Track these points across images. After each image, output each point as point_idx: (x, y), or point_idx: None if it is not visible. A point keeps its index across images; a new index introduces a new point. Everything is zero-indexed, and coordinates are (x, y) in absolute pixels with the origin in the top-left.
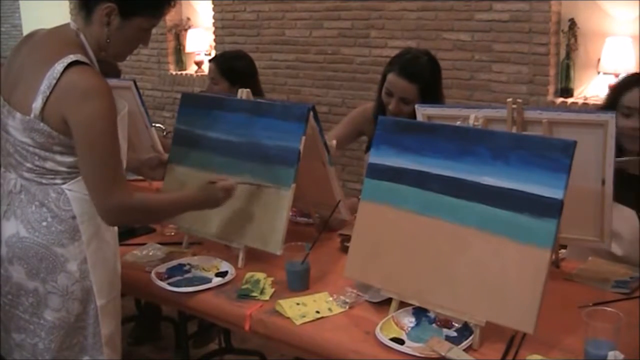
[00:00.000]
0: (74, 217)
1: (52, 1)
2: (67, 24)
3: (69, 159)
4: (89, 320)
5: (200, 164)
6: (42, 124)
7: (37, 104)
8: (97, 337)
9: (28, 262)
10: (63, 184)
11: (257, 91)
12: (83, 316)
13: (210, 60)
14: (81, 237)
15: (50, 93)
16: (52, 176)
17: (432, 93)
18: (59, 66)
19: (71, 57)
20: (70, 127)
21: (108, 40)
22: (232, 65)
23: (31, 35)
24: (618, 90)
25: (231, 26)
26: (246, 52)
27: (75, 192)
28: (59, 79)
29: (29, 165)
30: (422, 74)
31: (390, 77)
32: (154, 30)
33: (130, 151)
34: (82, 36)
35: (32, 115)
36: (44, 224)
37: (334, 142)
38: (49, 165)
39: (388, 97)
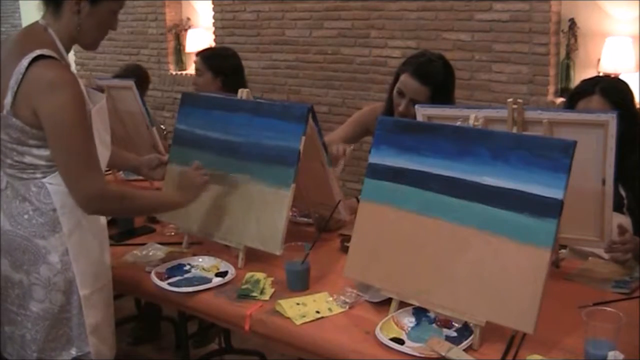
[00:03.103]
0: (54, 210)
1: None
2: (37, 22)
3: (45, 153)
4: (73, 311)
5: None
6: (14, 119)
7: (8, 100)
8: (82, 328)
9: (12, 254)
10: (43, 177)
11: (242, 86)
12: (67, 307)
13: (196, 55)
14: (62, 229)
15: (18, 88)
16: (32, 171)
17: (443, 97)
18: (25, 61)
19: (36, 52)
20: (40, 119)
21: (79, 29)
22: (215, 58)
23: (10, 37)
24: (575, 97)
25: (231, 26)
26: (232, 49)
27: (55, 185)
28: (24, 73)
29: (9, 161)
30: (436, 77)
31: (404, 77)
32: (154, 31)
33: (132, 151)
34: (50, 31)
35: (4, 112)
36: (26, 217)
37: (350, 147)
38: (27, 160)
39: (399, 98)
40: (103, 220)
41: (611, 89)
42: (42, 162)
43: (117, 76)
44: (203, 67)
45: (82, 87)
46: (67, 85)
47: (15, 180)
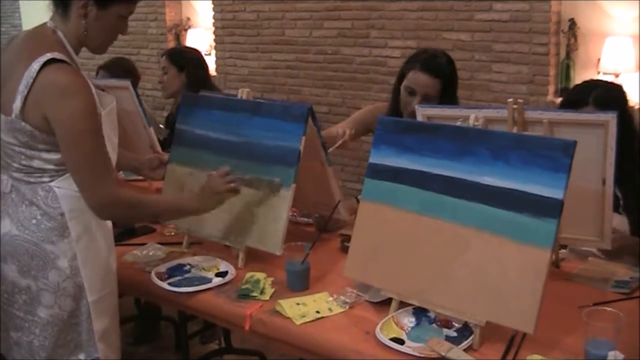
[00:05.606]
0: (62, 214)
1: (52, 1)
2: (45, 24)
3: (55, 156)
4: (82, 317)
5: (200, 164)
6: (23, 124)
7: (17, 104)
8: (90, 334)
9: (20, 259)
10: (51, 181)
11: (207, 83)
12: (76, 312)
13: (161, 55)
14: (70, 234)
15: (29, 92)
16: (40, 174)
17: (451, 91)
18: (36, 65)
19: (47, 56)
20: (52, 125)
21: (85, 32)
22: (178, 54)
23: (14, 38)
24: (570, 106)
25: (231, 26)
26: (194, 48)
27: (63, 189)
28: (35, 77)
29: (16, 165)
30: (444, 70)
31: (412, 74)
32: (154, 31)
33: (130, 151)
34: (59, 34)
35: (13, 116)
36: (34, 221)
37: (352, 130)
38: (35, 163)
39: (410, 97)
40: (109, 224)
41: (605, 99)
42: (51, 166)
43: (102, 67)
44: (168, 63)
45: (94, 92)
46: (79, 92)
47: (21, 184)
